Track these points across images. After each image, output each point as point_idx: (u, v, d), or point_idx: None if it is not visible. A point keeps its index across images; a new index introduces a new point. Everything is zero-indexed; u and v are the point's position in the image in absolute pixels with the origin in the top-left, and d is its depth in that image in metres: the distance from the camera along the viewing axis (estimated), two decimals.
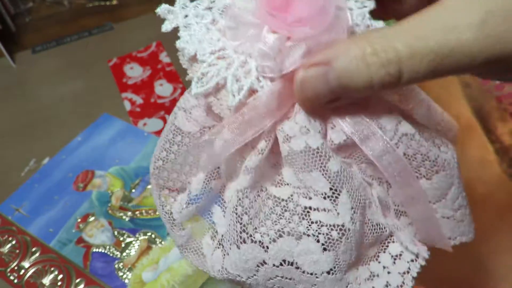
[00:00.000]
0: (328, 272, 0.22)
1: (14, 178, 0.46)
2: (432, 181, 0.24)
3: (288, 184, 0.23)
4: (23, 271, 0.39)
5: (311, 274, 0.22)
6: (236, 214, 0.22)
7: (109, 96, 0.55)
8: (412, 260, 0.24)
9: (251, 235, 0.22)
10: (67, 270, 0.39)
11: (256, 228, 0.22)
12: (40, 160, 0.48)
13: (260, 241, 0.22)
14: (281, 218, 0.22)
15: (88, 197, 0.44)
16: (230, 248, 0.23)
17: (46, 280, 0.39)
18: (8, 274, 0.39)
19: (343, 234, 0.22)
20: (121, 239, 0.41)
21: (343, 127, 0.22)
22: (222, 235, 0.24)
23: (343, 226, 0.22)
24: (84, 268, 0.39)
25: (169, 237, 0.41)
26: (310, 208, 0.22)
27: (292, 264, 0.22)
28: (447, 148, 0.25)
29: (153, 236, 0.41)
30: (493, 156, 0.47)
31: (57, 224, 0.42)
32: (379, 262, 0.25)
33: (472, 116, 0.50)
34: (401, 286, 0.24)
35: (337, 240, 0.22)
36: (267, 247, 0.22)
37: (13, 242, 0.41)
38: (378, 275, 0.24)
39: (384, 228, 0.24)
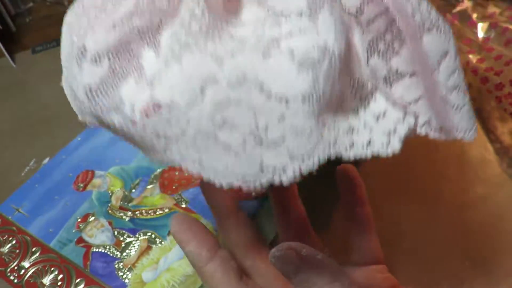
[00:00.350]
0: (304, 100, 0.17)
1: (14, 178, 0.46)
2: (422, 41, 0.19)
3: (249, 24, 0.18)
4: (23, 271, 0.39)
5: (281, 99, 0.17)
6: (182, 20, 0.17)
7: None
8: (398, 119, 0.20)
9: (200, 45, 0.17)
10: (67, 270, 0.39)
11: (207, 40, 0.17)
12: (40, 160, 0.48)
13: (212, 52, 0.17)
14: (241, 52, 0.17)
15: (88, 197, 0.44)
16: (166, 71, 0.17)
17: (46, 280, 0.39)
18: (8, 274, 0.39)
19: (325, 54, 0.17)
20: (121, 239, 0.41)
21: None
22: (154, 75, 0.18)
23: (325, 45, 0.17)
24: (84, 268, 0.39)
25: (169, 237, 0.41)
26: (279, 35, 0.17)
27: (255, 83, 0.17)
28: (437, 13, 0.20)
29: (153, 236, 0.41)
30: (493, 156, 0.47)
31: (57, 224, 0.42)
32: (359, 119, 0.20)
33: None
34: (387, 145, 0.19)
35: (318, 60, 0.17)
36: (222, 60, 0.17)
37: (13, 242, 0.41)
38: (358, 131, 0.20)
39: (366, 80, 0.20)
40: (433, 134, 0.21)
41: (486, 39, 0.54)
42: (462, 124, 0.21)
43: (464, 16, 0.58)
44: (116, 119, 0.19)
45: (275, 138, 0.17)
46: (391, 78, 0.20)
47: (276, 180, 0.17)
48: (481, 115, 0.50)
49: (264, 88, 0.17)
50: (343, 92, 0.19)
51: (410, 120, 0.20)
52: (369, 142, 0.19)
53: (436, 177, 0.45)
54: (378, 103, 0.20)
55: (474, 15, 0.57)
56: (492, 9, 0.57)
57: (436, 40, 0.19)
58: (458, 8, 0.59)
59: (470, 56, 0.53)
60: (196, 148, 0.18)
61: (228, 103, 0.17)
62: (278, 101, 0.17)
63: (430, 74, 0.19)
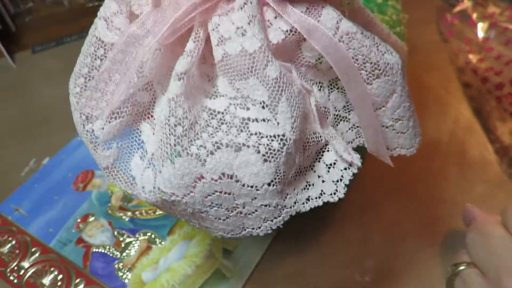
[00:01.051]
0: (269, 184, 0.22)
1: (14, 178, 0.46)
2: (372, 87, 0.23)
3: (223, 96, 0.22)
4: (23, 271, 0.39)
5: (252, 187, 0.22)
6: (169, 125, 0.21)
7: None
8: (345, 168, 0.24)
9: (186, 148, 0.21)
10: (67, 270, 0.39)
11: (191, 141, 0.21)
12: (40, 160, 0.48)
13: (196, 154, 0.21)
14: (217, 131, 0.21)
15: (88, 197, 0.44)
16: (163, 165, 0.21)
17: (46, 280, 0.39)
18: (8, 274, 0.39)
19: (284, 145, 0.21)
20: (121, 239, 0.41)
21: (281, 25, 0.21)
22: (153, 154, 0.22)
23: (283, 136, 0.21)
24: (84, 268, 0.39)
25: (169, 237, 0.41)
26: (248, 119, 0.21)
27: (231, 177, 0.21)
28: (392, 55, 0.23)
29: (153, 236, 0.41)
30: (493, 156, 0.47)
31: (57, 224, 0.42)
32: (314, 172, 0.24)
33: (472, 116, 0.50)
34: (335, 193, 0.24)
35: (278, 151, 0.21)
36: (205, 160, 0.21)
37: (13, 242, 0.41)
38: (313, 185, 0.24)
39: (321, 137, 0.24)
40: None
41: (486, 39, 0.54)
42: (405, 144, 0.27)
43: (464, 16, 0.58)
44: (135, 194, 0.23)
45: (250, 211, 0.23)
46: (349, 107, 0.25)
47: (254, 234, 0.24)
48: (481, 115, 0.50)
49: (239, 180, 0.21)
50: (300, 160, 0.23)
51: (354, 169, 0.24)
52: (321, 193, 0.24)
53: (436, 177, 0.45)
54: (329, 154, 0.25)
55: (474, 15, 0.57)
56: (492, 9, 0.57)
57: (383, 84, 0.23)
58: (458, 8, 0.59)
59: (470, 56, 0.53)
60: (195, 218, 0.24)
61: (213, 192, 0.22)
62: (250, 188, 0.22)
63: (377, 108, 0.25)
